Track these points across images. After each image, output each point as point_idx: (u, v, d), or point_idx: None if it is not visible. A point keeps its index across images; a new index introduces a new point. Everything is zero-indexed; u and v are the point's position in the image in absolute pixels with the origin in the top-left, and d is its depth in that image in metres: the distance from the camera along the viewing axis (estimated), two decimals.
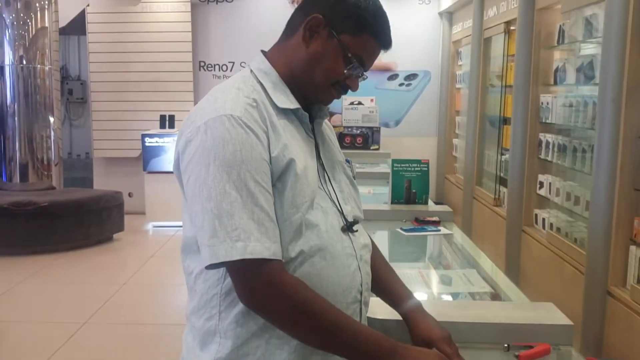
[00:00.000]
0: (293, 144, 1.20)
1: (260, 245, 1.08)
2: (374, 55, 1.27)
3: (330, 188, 1.27)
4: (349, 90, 1.29)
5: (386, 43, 1.27)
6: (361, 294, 1.26)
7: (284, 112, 1.23)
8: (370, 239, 1.41)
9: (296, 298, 1.11)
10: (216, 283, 1.18)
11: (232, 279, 1.13)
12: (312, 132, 1.30)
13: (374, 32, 1.24)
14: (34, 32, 6.22)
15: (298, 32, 1.24)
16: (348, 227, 1.26)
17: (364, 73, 1.27)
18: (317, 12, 1.22)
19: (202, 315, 1.22)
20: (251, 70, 1.27)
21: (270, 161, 1.15)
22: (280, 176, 1.16)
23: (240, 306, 1.16)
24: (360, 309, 1.27)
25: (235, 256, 1.07)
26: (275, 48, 1.31)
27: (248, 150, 1.11)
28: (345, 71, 1.23)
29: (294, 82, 1.26)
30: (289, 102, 1.24)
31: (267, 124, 1.17)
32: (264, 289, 1.10)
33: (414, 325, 1.34)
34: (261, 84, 1.24)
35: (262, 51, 1.31)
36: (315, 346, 1.16)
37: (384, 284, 1.41)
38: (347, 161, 1.41)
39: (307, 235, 1.17)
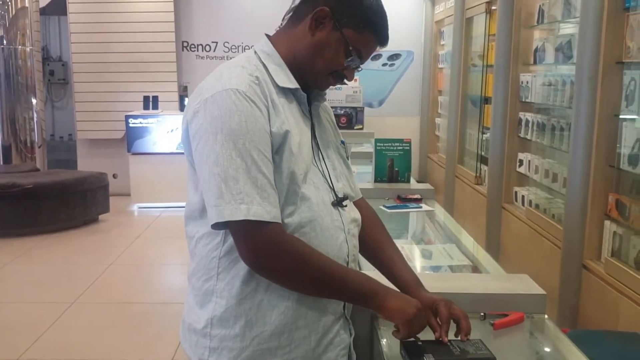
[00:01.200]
0: (290, 121, 1.28)
1: (261, 208, 1.17)
2: (372, 50, 1.37)
3: (323, 165, 1.36)
4: (345, 80, 1.37)
5: (384, 40, 1.37)
6: (347, 264, 1.34)
7: (283, 91, 1.31)
8: (377, 216, 1.53)
9: (295, 253, 1.21)
10: (216, 246, 1.27)
11: (235, 239, 1.21)
12: (310, 113, 1.38)
13: (375, 30, 1.34)
14: (14, 13, 6.15)
15: (304, 21, 1.32)
16: (338, 202, 1.34)
17: (360, 65, 1.36)
18: (325, 5, 1.29)
19: (201, 276, 1.30)
20: (255, 52, 1.35)
21: (271, 135, 1.23)
22: (277, 149, 1.24)
23: (236, 269, 1.25)
24: None
25: (239, 217, 1.16)
26: (280, 33, 1.38)
27: (252, 122, 1.20)
28: (344, 63, 1.32)
29: (295, 66, 1.34)
30: (289, 82, 1.32)
31: (268, 100, 1.25)
32: (265, 248, 1.20)
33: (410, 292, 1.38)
34: (264, 64, 1.32)
35: (267, 35, 1.39)
36: (311, 294, 1.27)
37: (391, 267, 1.45)
38: (342, 142, 1.50)
39: (300, 207, 1.26)
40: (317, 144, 1.37)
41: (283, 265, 1.22)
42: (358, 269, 1.43)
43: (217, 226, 1.20)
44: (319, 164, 1.35)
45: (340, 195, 1.36)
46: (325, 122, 1.47)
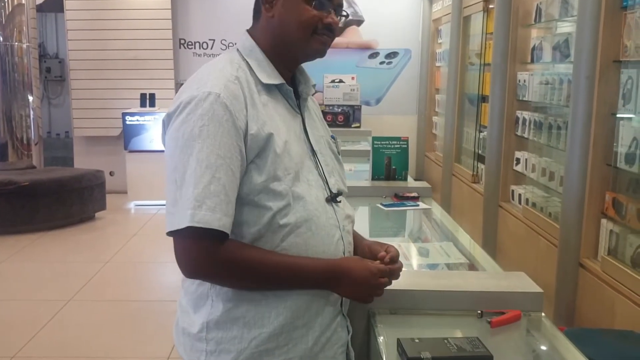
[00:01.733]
0: (275, 120, 1.26)
1: (210, 214, 1.15)
2: None
3: (316, 160, 1.34)
4: (333, 29, 1.32)
5: None
6: None
7: (268, 88, 1.29)
8: None
9: (232, 263, 1.20)
10: None
11: (175, 244, 1.20)
12: (298, 108, 1.36)
13: None
14: (10, 9, 6.13)
15: (261, 11, 1.32)
16: (332, 198, 1.33)
17: (342, 10, 1.33)
18: None
19: (194, 280, 1.28)
20: (237, 50, 1.34)
21: (247, 138, 1.20)
22: (259, 152, 1.22)
23: None
24: None
25: (183, 224, 1.14)
26: (252, 30, 1.37)
27: (216, 126, 1.17)
28: (316, 12, 1.28)
29: (278, 55, 1.32)
30: (274, 77, 1.30)
31: (246, 102, 1.22)
32: (203, 258, 1.18)
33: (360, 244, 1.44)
34: (247, 62, 1.30)
35: (248, 30, 1.37)
36: (267, 289, 1.26)
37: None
38: (333, 137, 1.48)
39: (295, 207, 1.24)
40: (308, 139, 1.35)
41: (218, 275, 1.22)
42: None
43: (170, 234, 1.19)
44: (312, 160, 1.33)
45: (334, 190, 1.34)
46: (315, 116, 1.45)
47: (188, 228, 1.14)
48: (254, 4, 1.36)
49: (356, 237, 1.45)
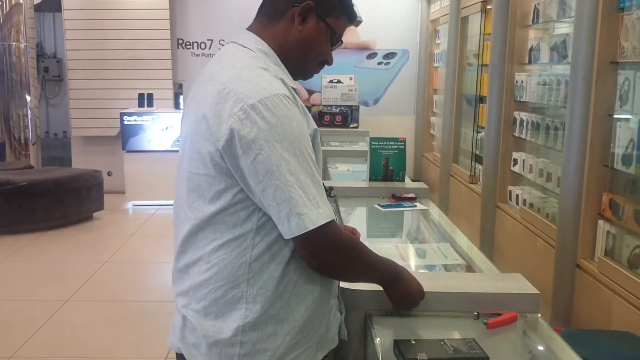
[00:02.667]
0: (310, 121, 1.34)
1: (328, 209, 1.22)
2: (344, 30, 1.43)
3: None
4: (327, 64, 1.44)
5: (354, 18, 1.43)
6: None
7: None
8: None
9: (353, 249, 1.31)
10: (243, 252, 1.24)
11: (306, 243, 1.21)
12: None
13: (349, 13, 1.40)
14: (8, 9, 6.13)
15: (286, 16, 1.32)
16: (328, 194, 1.38)
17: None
18: None
19: (223, 285, 1.26)
20: (252, 50, 1.32)
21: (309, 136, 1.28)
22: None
23: (269, 271, 1.25)
24: None
25: (322, 221, 1.20)
26: (259, 29, 1.35)
27: (304, 127, 1.24)
28: (329, 49, 1.38)
29: (284, 61, 1.35)
30: (291, 81, 1.34)
31: (298, 102, 1.28)
32: (331, 246, 1.25)
33: None
34: (270, 65, 1.31)
35: (251, 30, 1.36)
36: (354, 279, 1.44)
37: None
38: None
39: None
40: None
41: (342, 260, 1.28)
42: None
43: (302, 236, 1.20)
44: None
45: (326, 186, 1.43)
46: None
47: (327, 224, 1.20)
48: (275, 3, 1.35)
49: None
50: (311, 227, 1.18)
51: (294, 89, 1.32)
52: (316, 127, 1.31)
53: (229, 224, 1.23)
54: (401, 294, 1.43)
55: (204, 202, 1.26)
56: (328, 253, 1.24)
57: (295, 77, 1.38)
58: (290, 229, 1.19)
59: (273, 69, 1.29)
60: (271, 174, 1.17)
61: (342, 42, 1.40)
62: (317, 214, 1.19)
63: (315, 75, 1.45)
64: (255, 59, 1.29)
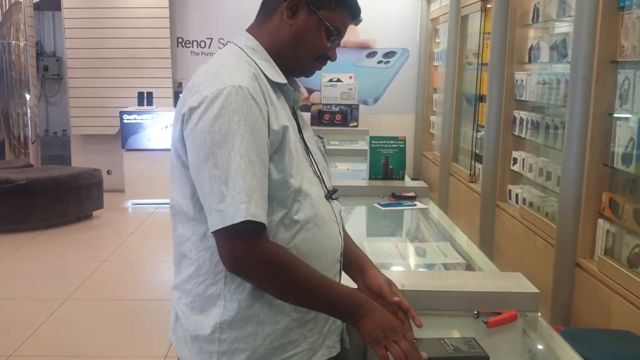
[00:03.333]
0: (285, 117, 1.28)
1: (257, 210, 1.14)
2: (347, 26, 1.37)
3: (310, 159, 1.35)
4: (329, 60, 1.37)
5: (357, 14, 1.37)
6: (341, 254, 1.37)
7: (273, 87, 1.30)
8: None
9: (279, 264, 1.19)
10: None
11: (222, 241, 1.17)
12: (292, 107, 1.37)
13: (348, 5, 1.34)
14: (7, 7, 6.12)
15: (277, 12, 1.31)
16: (329, 195, 1.35)
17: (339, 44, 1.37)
18: None
19: (203, 281, 1.26)
20: (240, 47, 1.33)
21: (269, 134, 1.21)
22: (277, 149, 1.23)
23: None
24: (340, 268, 1.39)
25: (240, 218, 1.13)
26: (255, 28, 1.36)
27: (251, 122, 1.17)
28: (327, 43, 1.32)
29: (279, 58, 1.32)
30: (278, 77, 1.31)
31: (266, 97, 1.23)
32: (250, 254, 1.17)
33: (363, 271, 1.44)
34: (252, 60, 1.30)
35: (247, 30, 1.37)
36: (293, 302, 1.24)
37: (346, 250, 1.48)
38: (320, 137, 1.50)
39: (304, 204, 1.26)
40: (302, 138, 1.36)
41: (264, 274, 1.19)
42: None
43: (220, 231, 1.16)
44: (308, 159, 1.34)
45: (330, 188, 1.37)
46: (303, 118, 1.46)
47: (242, 223, 1.12)
48: (269, 0, 1.35)
49: (352, 250, 1.47)
50: (227, 223, 1.13)
51: (285, 85, 1.31)
52: (287, 124, 1.23)
53: (202, 219, 1.21)
54: (360, 331, 1.25)
55: (183, 197, 1.26)
56: (248, 260, 1.17)
57: (294, 74, 1.36)
58: (211, 225, 1.16)
59: (260, 63, 1.29)
60: (200, 166, 1.17)
61: (339, 35, 1.33)
62: (237, 210, 1.12)
63: (315, 73, 1.43)
64: (237, 54, 1.29)
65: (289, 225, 1.24)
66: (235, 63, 1.25)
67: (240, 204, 1.13)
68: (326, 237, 1.30)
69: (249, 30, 1.37)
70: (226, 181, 1.14)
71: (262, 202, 1.16)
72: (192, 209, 1.25)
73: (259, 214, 1.14)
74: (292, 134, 1.27)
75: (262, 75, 1.27)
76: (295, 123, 1.35)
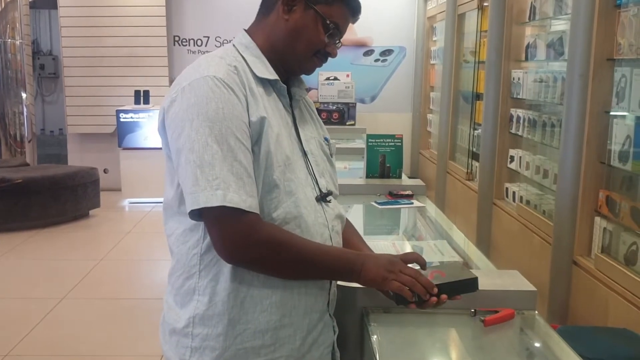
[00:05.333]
0: (269, 112, 1.26)
1: (237, 196, 1.14)
2: (347, 21, 1.35)
3: (306, 159, 1.34)
4: (329, 57, 1.36)
5: (356, 9, 1.35)
6: None
7: (262, 82, 1.29)
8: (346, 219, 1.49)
9: (272, 241, 1.19)
10: (196, 243, 1.25)
11: (209, 229, 1.19)
12: (291, 107, 1.36)
13: (346, 0, 1.32)
14: (3, 6, 6.10)
15: (275, 9, 1.31)
16: (322, 198, 1.33)
17: (340, 40, 1.35)
18: None
19: (181, 275, 1.28)
20: (233, 45, 1.34)
21: (250, 125, 1.21)
22: (257, 140, 1.22)
23: (219, 266, 1.23)
24: None
25: (215, 202, 1.13)
26: (253, 26, 1.37)
27: (229, 109, 1.18)
28: (325, 39, 1.31)
29: (275, 56, 1.32)
30: (267, 73, 1.30)
31: (246, 89, 1.23)
32: (242, 239, 1.17)
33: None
34: (242, 56, 1.30)
35: (246, 30, 1.37)
36: (293, 278, 1.25)
37: (349, 245, 1.48)
38: (326, 139, 1.47)
39: (286, 202, 1.24)
40: (299, 138, 1.34)
41: (261, 255, 1.19)
42: None
43: (193, 215, 1.17)
44: (302, 158, 1.33)
45: (324, 190, 1.34)
46: (308, 117, 1.44)
47: (221, 208, 1.13)
48: None
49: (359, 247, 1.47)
50: (195, 206, 1.14)
51: (276, 82, 1.30)
52: (265, 115, 1.23)
53: (185, 214, 1.21)
54: (365, 283, 1.28)
55: (170, 190, 1.29)
56: (225, 244, 1.17)
57: (293, 71, 1.35)
58: (187, 207, 1.17)
59: (249, 60, 1.29)
60: (178, 152, 1.19)
61: (338, 30, 1.31)
62: (210, 195, 1.13)
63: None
64: (226, 52, 1.30)
65: (268, 219, 1.23)
66: (219, 59, 1.26)
67: (217, 190, 1.14)
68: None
69: (248, 29, 1.37)
70: (201, 165, 1.15)
71: (246, 188, 1.16)
72: (176, 203, 1.26)
73: (237, 200, 1.14)
74: (274, 128, 1.25)
75: (248, 70, 1.27)
76: (291, 119, 1.34)
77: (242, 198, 1.15)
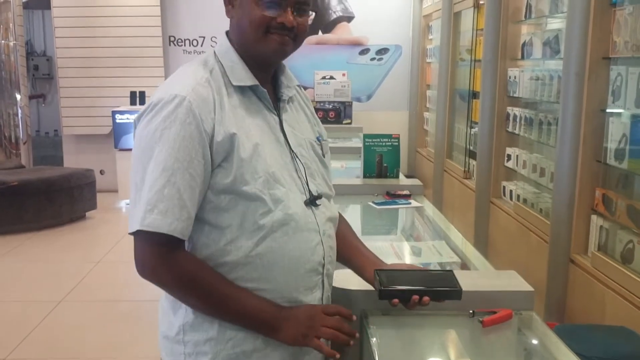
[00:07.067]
0: (246, 123, 1.24)
1: (160, 219, 1.15)
2: None
3: (296, 162, 1.32)
4: (290, 29, 1.26)
5: None
6: (323, 266, 1.32)
7: (241, 90, 1.28)
8: (340, 215, 1.48)
9: (182, 273, 1.20)
10: None
11: (136, 247, 1.22)
12: (277, 109, 1.33)
13: None
14: None
15: (227, 9, 1.34)
16: (311, 201, 1.30)
17: (304, 7, 1.28)
18: None
19: None
20: (214, 51, 1.34)
21: (213, 142, 1.19)
22: (226, 156, 1.21)
23: None
24: (323, 281, 1.33)
25: (135, 227, 1.17)
26: (230, 28, 1.37)
27: (177, 129, 1.17)
28: (266, 12, 1.25)
29: (246, 53, 1.30)
30: (246, 79, 1.28)
31: (215, 105, 1.22)
32: (154, 262, 1.19)
33: (363, 268, 1.44)
34: (221, 63, 1.30)
35: (227, 31, 1.37)
36: (206, 314, 1.25)
37: (350, 251, 1.47)
38: (318, 139, 1.43)
39: (272, 210, 1.23)
40: (287, 141, 1.32)
41: (169, 282, 1.22)
42: (334, 269, 1.41)
43: (132, 234, 1.20)
44: (291, 162, 1.31)
45: (315, 193, 1.32)
46: (302, 115, 1.42)
47: (140, 231, 1.16)
48: None
49: (359, 251, 1.46)
50: (129, 230, 1.18)
51: (257, 87, 1.28)
52: (234, 131, 1.21)
53: None
54: (286, 342, 1.24)
55: None
56: (139, 265, 1.22)
57: (264, 60, 1.31)
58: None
59: (227, 67, 1.28)
60: (131, 171, 1.23)
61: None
62: (139, 219, 1.16)
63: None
64: (204, 60, 1.31)
65: (254, 232, 1.22)
66: (193, 70, 1.27)
67: (140, 213, 1.16)
68: (296, 247, 1.25)
69: (228, 30, 1.37)
70: (140, 188, 1.18)
71: (174, 210, 1.16)
72: None
73: (158, 224, 1.15)
74: (252, 139, 1.23)
75: (222, 81, 1.27)
76: (277, 123, 1.32)
77: (167, 221, 1.16)
